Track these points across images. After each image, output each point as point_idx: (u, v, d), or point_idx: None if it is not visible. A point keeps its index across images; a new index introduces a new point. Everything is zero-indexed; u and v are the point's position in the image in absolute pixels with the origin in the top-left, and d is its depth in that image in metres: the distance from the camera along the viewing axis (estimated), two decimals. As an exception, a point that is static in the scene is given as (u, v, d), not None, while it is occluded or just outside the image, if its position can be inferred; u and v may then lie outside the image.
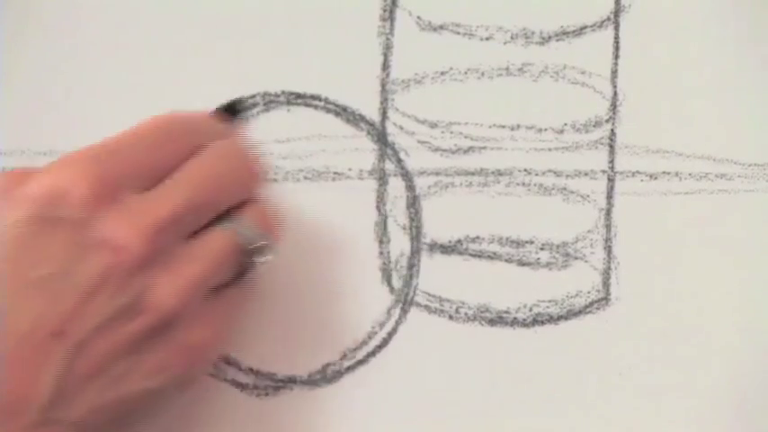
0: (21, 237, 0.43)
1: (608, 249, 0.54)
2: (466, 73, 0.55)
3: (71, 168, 0.44)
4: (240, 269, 0.48)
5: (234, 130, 0.50)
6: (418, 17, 0.56)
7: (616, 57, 0.55)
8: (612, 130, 0.55)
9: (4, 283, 0.42)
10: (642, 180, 0.54)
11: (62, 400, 0.42)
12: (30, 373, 0.42)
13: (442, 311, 0.54)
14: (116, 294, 0.43)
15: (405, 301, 0.54)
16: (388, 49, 0.55)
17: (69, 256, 0.43)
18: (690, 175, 0.54)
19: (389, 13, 0.56)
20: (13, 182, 0.44)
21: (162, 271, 0.44)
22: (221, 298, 0.47)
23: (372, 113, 0.55)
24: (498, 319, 0.54)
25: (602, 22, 0.55)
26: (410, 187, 0.55)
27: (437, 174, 0.55)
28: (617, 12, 0.55)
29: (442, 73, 0.55)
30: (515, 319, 0.54)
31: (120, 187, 0.44)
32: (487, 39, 0.55)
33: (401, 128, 0.55)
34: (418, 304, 0.54)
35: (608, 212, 0.54)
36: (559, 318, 0.54)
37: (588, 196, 0.54)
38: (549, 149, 0.55)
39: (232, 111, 0.52)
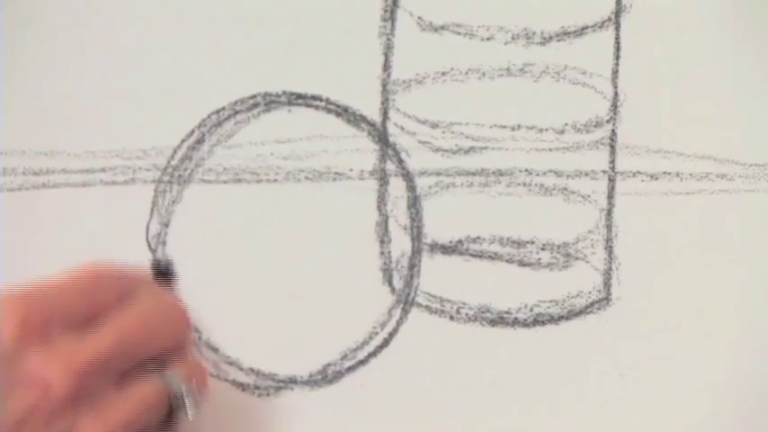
0: None
1: (609, 249, 0.54)
2: (467, 73, 0.55)
3: (1, 305, 0.44)
4: (166, 419, 0.48)
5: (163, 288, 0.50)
6: (419, 18, 0.56)
7: (617, 57, 0.55)
8: (613, 130, 0.55)
9: None
10: (643, 180, 0.54)
11: None
12: None
13: (442, 312, 0.54)
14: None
15: (406, 302, 0.54)
16: (389, 50, 0.55)
17: None
18: (690, 175, 0.54)
19: (390, 14, 0.55)
20: None
21: (88, 413, 0.44)
22: None
23: (373, 114, 0.55)
24: (499, 320, 0.54)
25: (603, 22, 0.55)
26: (411, 187, 0.55)
27: (438, 174, 0.55)
28: (618, 12, 0.55)
29: (443, 73, 0.55)
30: (516, 319, 0.54)
31: (49, 327, 0.44)
32: (488, 39, 0.55)
33: (402, 128, 0.55)
34: (419, 305, 0.54)
35: (609, 213, 0.54)
36: (560, 318, 0.54)
37: (589, 196, 0.54)
38: (550, 150, 0.55)
39: (165, 273, 0.52)
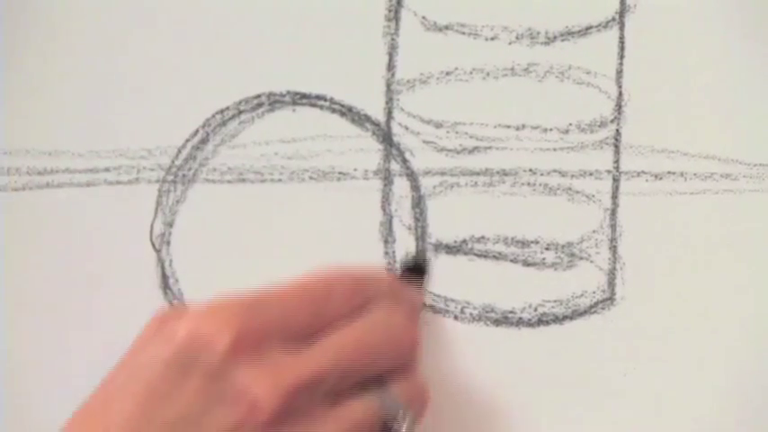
0: (156, 377, 0.42)
1: (613, 249, 0.54)
2: (471, 73, 0.55)
3: (218, 315, 0.43)
4: None
5: (407, 292, 0.49)
6: (423, 17, 0.56)
7: (621, 57, 0.55)
8: (617, 130, 0.55)
9: (137, 420, 0.41)
10: (647, 180, 0.54)
11: None
12: None
13: (447, 311, 0.54)
14: None
15: (410, 302, 0.54)
16: (393, 50, 0.55)
17: (200, 404, 0.42)
18: (695, 175, 0.54)
19: (394, 14, 0.55)
20: (169, 317, 0.44)
21: (295, 431, 0.43)
22: None
23: (377, 113, 0.55)
24: (503, 319, 0.54)
25: (608, 22, 0.55)
26: (415, 187, 0.55)
27: (442, 174, 0.55)
28: (622, 12, 0.55)
29: (447, 73, 0.55)
30: (520, 319, 0.54)
31: (265, 340, 0.43)
32: (492, 39, 0.55)
33: (406, 128, 0.55)
34: (422, 304, 0.54)
35: (613, 212, 0.54)
36: (564, 318, 0.54)
37: (593, 196, 0.54)
38: (554, 149, 0.55)
39: (418, 269, 0.51)
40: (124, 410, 0.42)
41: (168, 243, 0.55)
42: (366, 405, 0.45)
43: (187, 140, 0.55)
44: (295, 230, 0.55)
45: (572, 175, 0.55)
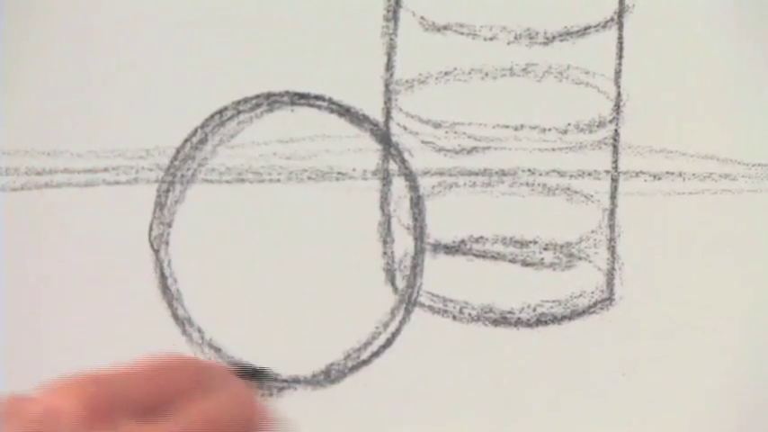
0: None
1: (612, 249, 0.54)
2: (470, 73, 0.55)
3: (66, 388, 0.42)
4: None
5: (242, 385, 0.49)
6: (422, 17, 0.56)
7: (620, 57, 0.55)
8: (616, 130, 0.55)
9: None
10: (646, 180, 0.54)
11: None
12: None
13: (445, 312, 0.54)
14: None
15: (408, 302, 0.54)
16: (391, 50, 0.55)
17: None
18: (693, 175, 0.54)
19: (393, 14, 0.55)
20: (14, 405, 0.45)
21: None
22: None
23: (376, 114, 0.55)
24: (502, 320, 0.54)
25: (606, 22, 0.55)
26: (414, 187, 0.55)
27: (441, 174, 0.55)
28: (621, 12, 0.55)
29: (446, 73, 0.55)
30: (519, 319, 0.54)
31: (116, 411, 0.42)
32: (491, 39, 0.55)
33: (405, 128, 0.55)
34: (422, 304, 0.54)
35: (612, 213, 0.54)
36: (563, 318, 0.54)
37: (592, 196, 0.54)
38: (553, 149, 0.55)
39: (253, 375, 0.51)
40: None
41: (167, 243, 0.55)
42: None
43: (186, 141, 0.55)
44: (293, 230, 0.55)
45: (570, 176, 0.55)
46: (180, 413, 0.45)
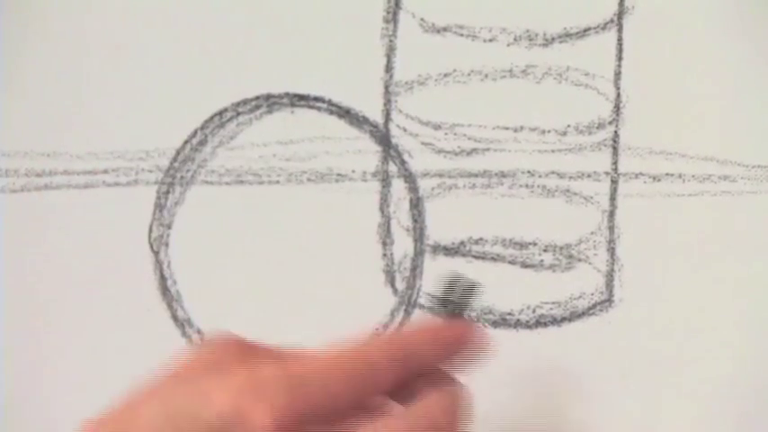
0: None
1: (611, 251, 0.54)
2: (469, 75, 0.55)
3: (259, 391, 0.39)
4: None
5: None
6: (421, 19, 0.56)
7: (619, 59, 0.55)
8: (616, 131, 0.55)
9: None
10: (645, 182, 0.54)
11: None
12: None
13: (445, 313, 0.54)
14: None
15: (408, 303, 0.54)
16: (391, 51, 0.55)
17: None
18: (693, 176, 0.54)
19: (393, 15, 0.55)
20: (212, 369, 0.40)
21: None
22: None
23: (376, 115, 0.55)
24: (501, 321, 0.54)
25: (606, 23, 0.55)
26: (413, 189, 0.55)
27: (440, 175, 0.55)
28: (620, 14, 0.55)
29: (446, 75, 0.55)
30: (518, 320, 0.54)
31: (305, 422, 0.39)
32: (491, 40, 0.55)
33: (404, 130, 0.55)
34: (421, 306, 0.54)
35: (611, 214, 0.54)
36: (563, 320, 0.54)
37: (591, 198, 0.54)
38: (553, 151, 0.55)
39: (458, 301, 0.45)
40: None
41: (167, 245, 0.55)
42: None
43: (185, 142, 0.55)
44: (293, 232, 0.55)
45: (570, 177, 0.55)
46: (372, 427, 0.40)
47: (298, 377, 0.40)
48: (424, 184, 0.55)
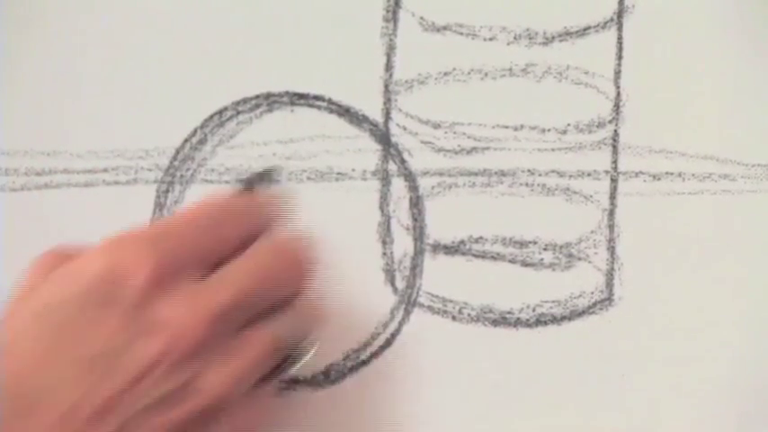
0: (73, 314, 0.42)
1: (611, 250, 0.54)
2: (469, 73, 0.55)
3: (130, 249, 0.43)
4: (277, 365, 0.47)
5: (285, 213, 0.49)
6: (421, 18, 0.56)
7: (619, 57, 0.55)
8: (615, 130, 0.55)
9: (52, 360, 0.41)
10: (645, 181, 0.54)
11: None
12: None
13: (445, 312, 0.54)
14: (166, 380, 0.42)
15: (408, 302, 0.54)
16: (391, 50, 0.55)
17: (121, 338, 0.42)
18: (693, 175, 0.54)
19: (392, 14, 0.56)
20: (60, 259, 0.44)
21: (212, 360, 0.43)
22: (259, 391, 0.47)
23: (375, 114, 0.55)
24: (501, 320, 0.54)
25: (606, 22, 0.55)
26: (413, 188, 0.55)
27: (440, 174, 0.55)
28: (620, 12, 0.55)
29: (446, 73, 0.55)
30: (519, 319, 0.54)
31: (179, 272, 0.44)
32: (491, 39, 0.55)
33: (404, 128, 0.55)
34: (421, 305, 0.54)
35: (611, 213, 0.54)
36: (563, 318, 0.54)
37: (591, 197, 0.54)
38: (553, 150, 0.55)
39: (261, 180, 0.51)
40: (36, 352, 0.41)
41: (166, 243, 0.55)
42: (266, 333, 0.46)
43: (185, 141, 0.55)
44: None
45: (570, 176, 0.55)
46: (236, 265, 0.45)
47: (164, 231, 0.45)
48: (424, 183, 0.55)
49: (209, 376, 0.43)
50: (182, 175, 0.55)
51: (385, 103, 0.55)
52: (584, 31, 0.55)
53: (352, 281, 0.54)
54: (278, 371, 0.47)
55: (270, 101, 0.55)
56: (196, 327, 0.43)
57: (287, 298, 0.47)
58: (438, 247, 0.54)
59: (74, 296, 0.42)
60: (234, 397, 0.44)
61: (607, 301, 0.54)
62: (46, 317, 0.42)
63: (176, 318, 0.43)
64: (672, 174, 0.54)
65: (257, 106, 0.55)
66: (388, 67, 0.55)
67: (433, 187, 0.55)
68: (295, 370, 0.47)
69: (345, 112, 0.55)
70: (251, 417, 0.46)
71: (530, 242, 0.54)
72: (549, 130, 0.55)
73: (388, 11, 0.55)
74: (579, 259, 0.54)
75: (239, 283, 0.45)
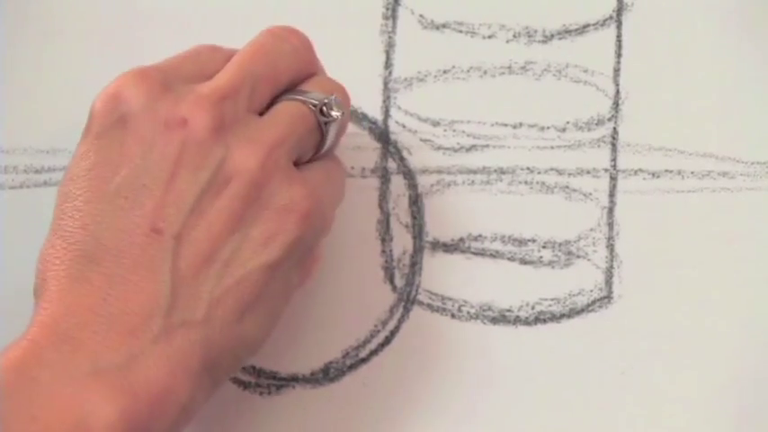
0: (93, 155, 0.44)
1: (610, 248, 0.54)
2: (468, 71, 0.55)
3: (119, 77, 0.46)
4: (319, 141, 0.48)
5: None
6: (420, 15, 0.56)
7: (618, 55, 0.55)
8: (615, 128, 0.55)
9: (92, 205, 0.43)
10: (644, 178, 0.54)
11: (181, 300, 0.42)
12: (142, 282, 0.42)
13: (444, 310, 0.54)
14: (197, 170, 0.44)
15: (407, 300, 0.54)
16: (390, 48, 0.55)
17: (140, 148, 0.44)
18: (692, 173, 0.54)
19: (392, 12, 0.56)
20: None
21: (236, 139, 0.45)
22: (311, 165, 0.48)
23: (375, 112, 0.55)
24: (501, 318, 0.54)
25: (605, 20, 0.55)
26: (412, 185, 0.55)
27: (439, 172, 0.55)
28: (619, 10, 0.55)
29: (445, 71, 0.55)
30: (518, 317, 0.54)
31: (170, 78, 0.46)
32: (490, 37, 0.55)
33: (403, 126, 0.55)
34: (420, 303, 0.54)
35: (610, 211, 0.54)
36: (562, 316, 0.54)
37: (591, 194, 0.54)
38: (552, 148, 0.55)
39: None
40: (76, 211, 0.44)
41: (166, 241, 0.55)
42: (291, 103, 0.47)
43: (184, 139, 0.55)
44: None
45: (569, 174, 0.55)
46: (234, 57, 0.47)
47: (152, 65, 0.47)
48: (424, 181, 0.55)
49: (237, 153, 0.44)
50: (181, 173, 0.55)
51: (384, 101, 0.55)
52: (583, 29, 0.55)
53: (351, 278, 0.54)
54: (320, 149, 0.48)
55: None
56: (202, 110, 0.45)
57: (305, 77, 0.49)
58: (437, 245, 0.54)
59: (90, 138, 0.45)
60: (276, 170, 0.45)
61: (606, 298, 0.54)
62: (71, 174, 0.45)
63: (179, 109, 0.45)
64: (671, 171, 0.54)
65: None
66: (388, 64, 0.55)
67: (432, 185, 0.55)
68: (334, 141, 0.49)
69: (345, 109, 0.55)
70: (304, 187, 0.46)
71: (529, 240, 0.54)
72: (548, 127, 0.55)
73: (387, 8, 0.55)
74: (578, 257, 0.54)
75: (238, 66, 0.47)
